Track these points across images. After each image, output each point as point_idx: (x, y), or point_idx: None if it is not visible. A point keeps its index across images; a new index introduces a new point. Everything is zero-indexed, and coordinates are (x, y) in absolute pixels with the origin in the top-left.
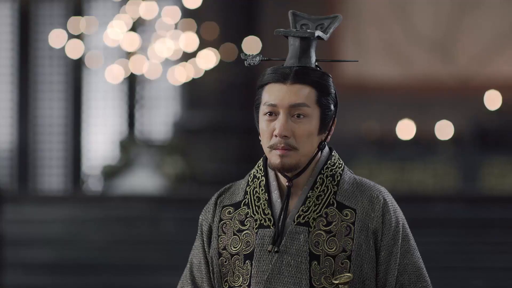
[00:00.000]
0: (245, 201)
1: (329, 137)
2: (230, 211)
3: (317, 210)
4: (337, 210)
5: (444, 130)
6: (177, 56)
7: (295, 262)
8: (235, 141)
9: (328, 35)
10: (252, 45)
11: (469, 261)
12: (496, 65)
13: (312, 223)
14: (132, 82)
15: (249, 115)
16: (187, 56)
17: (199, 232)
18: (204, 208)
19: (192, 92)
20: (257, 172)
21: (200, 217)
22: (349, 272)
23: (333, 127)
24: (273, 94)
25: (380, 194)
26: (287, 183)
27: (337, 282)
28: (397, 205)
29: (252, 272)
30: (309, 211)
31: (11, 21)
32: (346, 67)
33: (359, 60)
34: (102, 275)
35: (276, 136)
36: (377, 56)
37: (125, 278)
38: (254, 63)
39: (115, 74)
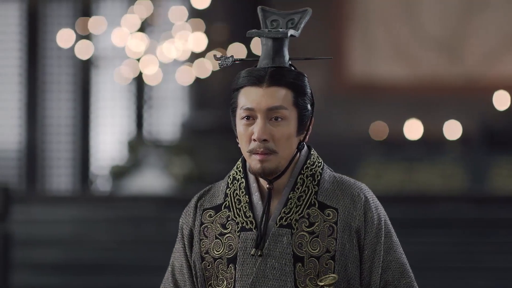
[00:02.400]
0: (226, 203)
1: (307, 137)
2: (211, 214)
3: (299, 211)
4: (319, 211)
5: (452, 130)
6: (185, 56)
7: (279, 264)
8: None
9: (299, 31)
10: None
11: (476, 261)
12: (504, 65)
13: (295, 224)
14: (140, 83)
15: None
16: (195, 57)
17: (179, 235)
18: (184, 211)
19: (200, 92)
20: (237, 174)
21: (180, 220)
22: (333, 273)
23: (311, 127)
24: (249, 98)
25: (361, 192)
26: (267, 186)
27: (322, 283)
28: (378, 202)
29: (236, 276)
30: (291, 213)
31: (20, 21)
32: (354, 67)
33: (368, 60)
34: (110, 276)
35: (255, 140)
36: (385, 56)
37: (133, 278)
38: (227, 64)
39: (124, 74)
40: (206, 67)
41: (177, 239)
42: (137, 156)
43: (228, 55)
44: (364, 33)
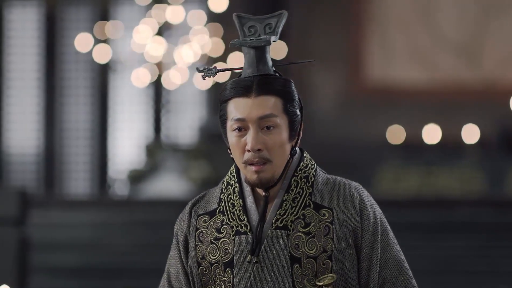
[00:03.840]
0: (220, 208)
1: (299, 141)
2: (205, 219)
3: (294, 213)
4: (314, 211)
5: (470, 134)
6: (203, 60)
7: (277, 266)
8: None
9: (278, 35)
10: (278, 49)
11: (495, 265)
12: None
13: (290, 226)
14: (158, 87)
15: None
16: (213, 61)
17: (174, 242)
18: (179, 217)
19: (218, 96)
20: (230, 179)
21: (175, 226)
22: (331, 272)
23: (301, 132)
24: (239, 109)
25: (355, 191)
26: (264, 194)
27: (320, 283)
28: (373, 200)
29: (234, 280)
30: (286, 214)
31: (38, 26)
32: (372, 71)
33: (386, 64)
34: (128, 280)
35: (249, 151)
36: (403, 60)
37: (151, 282)
38: (211, 76)
39: (141, 78)
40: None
41: (171, 246)
42: (155, 160)
43: (213, 65)
44: (383, 37)
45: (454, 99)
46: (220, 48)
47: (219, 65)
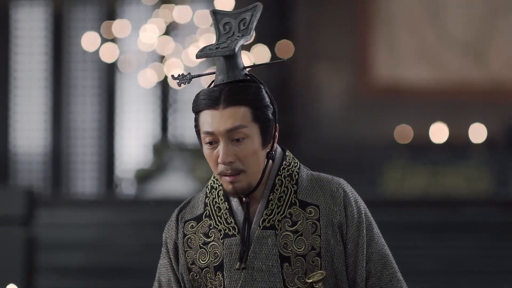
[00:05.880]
0: (206, 213)
1: (275, 144)
2: (193, 225)
3: (281, 212)
4: (300, 209)
5: (477, 133)
6: (210, 60)
7: (266, 266)
8: None
9: (251, 32)
10: (285, 49)
11: (502, 265)
12: None
13: (278, 225)
14: (165, 86)
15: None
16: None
17: (164, 250)
18: (166, 225)
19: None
20: (214, 182)
21: (163, 234)
22: (321, 269)
23: (276, 133)
24: (207, 122)
25: (339, 187)
26: (244, 200)
27: (310, 280)
28: (357, 195)
29: (225, 283)
30: (273, 214)
31: (45, 25)
32: (379, 70)
33: (393, 64)
34: (135, 279)
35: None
36: (410, 60)
37: None
38: (186, 83)
39: (148, 78)
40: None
41: (161, 255)
42: (162, 159)
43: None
44: (389, 37)
45: (461, 99)
46: None
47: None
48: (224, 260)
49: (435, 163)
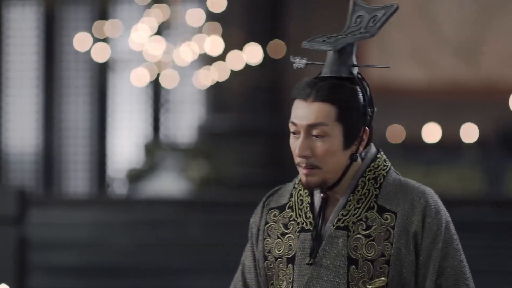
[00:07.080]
0: (290, 204)
1: (361, 148)
2: (275, 213)
3: (357, 214)
4: (377, 214)
5: (470, 133)
6: (202, 59)
7: (334, 266)
8: (260, 144)
9: (375, 32)
10: (277, 49)
11: (496, 265)
12: None
13: (352, 227)
14: (157, 86)
15: (275, 118)
16: (212, 60)
17: (249, 235)
18: (255, 210)
19: (217, 95)
20: None
21: (251, 219)
22: (388, 277)
23: (365, 136)
24: (295, 112)
25: (422, 196)
26: (321, 195)
27: (371, 287)
28: (441, 207)
29: (294, 276)
30: (348, 215)
31: (37, 25)
32: (371, 70)
33: (385, 63)
34: (127, 279)
35: None
36: (402, 59)
37: (151, 282)
38: (300, 66)
39: (140, 77)
40: (224, 70)
41: (248, 239)
42: (154, 159)
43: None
44: (381, 36)
45: (453, 99)
46: (219, 47)
47: (219, 64)
48: (297, 254)
49: (427, 163)
